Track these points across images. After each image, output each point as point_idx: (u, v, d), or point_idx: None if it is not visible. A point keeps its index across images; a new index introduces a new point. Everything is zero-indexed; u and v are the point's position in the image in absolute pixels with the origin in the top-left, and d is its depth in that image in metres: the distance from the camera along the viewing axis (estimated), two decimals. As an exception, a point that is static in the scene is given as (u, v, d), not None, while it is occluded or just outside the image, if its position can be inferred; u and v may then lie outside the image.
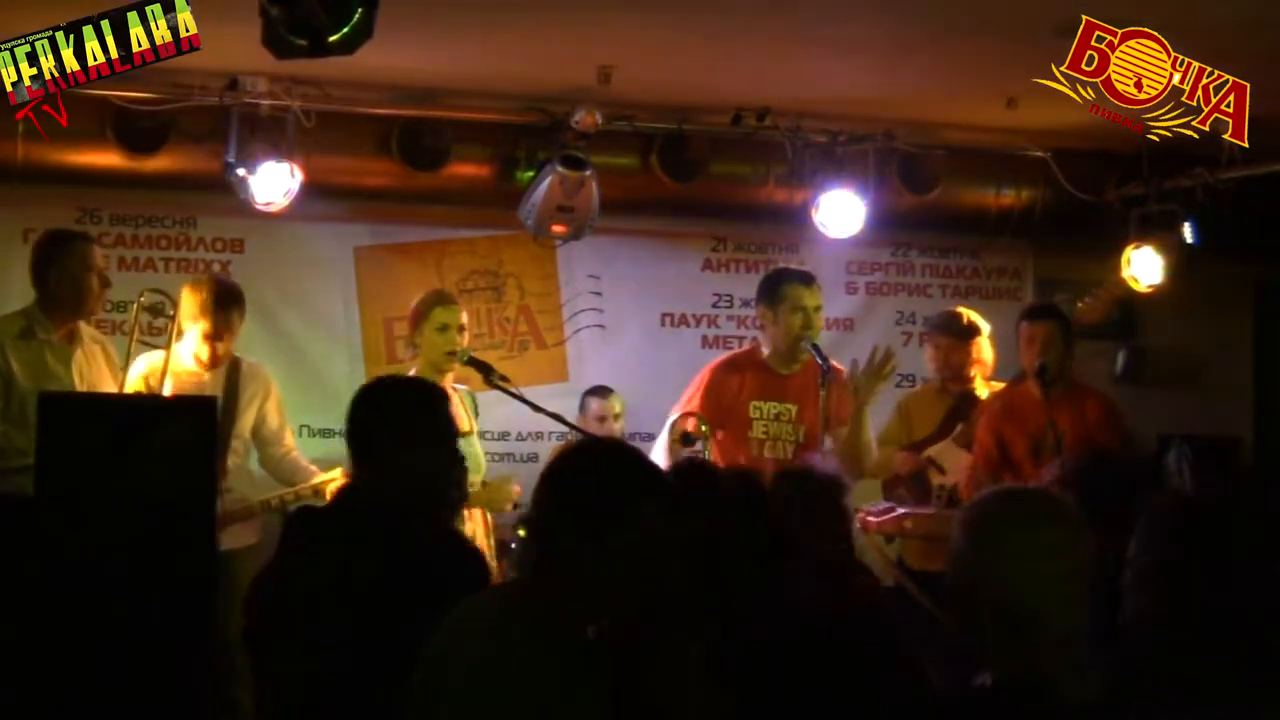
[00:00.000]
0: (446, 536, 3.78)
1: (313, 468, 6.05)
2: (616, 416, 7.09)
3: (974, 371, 6.51)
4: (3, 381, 5.56)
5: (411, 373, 5.70)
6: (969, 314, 6.63)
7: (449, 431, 3.71)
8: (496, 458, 6.66)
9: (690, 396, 5.90)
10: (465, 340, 5.81)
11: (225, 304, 5.94)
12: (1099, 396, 6.42)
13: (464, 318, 5.82)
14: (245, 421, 6.02)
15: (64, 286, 5.63)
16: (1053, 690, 2.48)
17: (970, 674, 2.61)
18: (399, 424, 3.60)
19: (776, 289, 5.91)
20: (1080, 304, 6.48)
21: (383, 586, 3.31)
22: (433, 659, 2.86)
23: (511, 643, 2.78)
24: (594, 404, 7.11)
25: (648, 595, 2.86)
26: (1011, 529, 2.60)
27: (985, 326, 6.59)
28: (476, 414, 5.94)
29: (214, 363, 5.97)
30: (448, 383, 5.62)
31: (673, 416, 5.82)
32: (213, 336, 5.90)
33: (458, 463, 3.82)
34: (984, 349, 6.56)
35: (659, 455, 5.66)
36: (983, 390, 6.51)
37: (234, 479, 5.93)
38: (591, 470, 2.94)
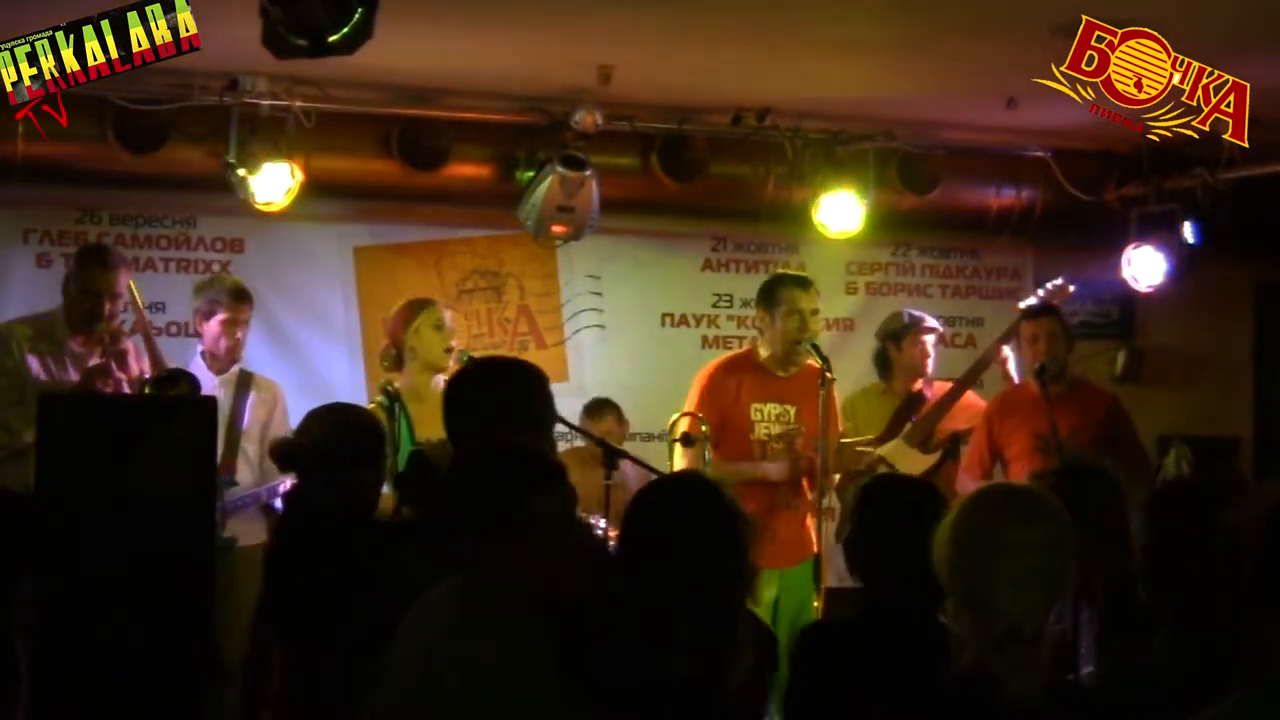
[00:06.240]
0: None
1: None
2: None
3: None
4: (17, 378, 5.60)
5: (404, 376, 5.64)
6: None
7: None
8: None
9: (694, 402, 5.89)
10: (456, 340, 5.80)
11: (239, 296, 6.04)
12: (1102, 392, 6.47)
13: (449, 317, 5.79)
14: (254, 426, 6.00)
15: (73, 302, 5.74)
16: (1000, 688, 2.50)
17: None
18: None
19: (773, 292, 5.95)
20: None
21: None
22: (420, 664, 2.88)
23: (509, 638, 2.83)
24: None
25: (563, 578, 2.99)
26: (977, 524, 2.63)
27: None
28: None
29: (231, 358, 6.00)
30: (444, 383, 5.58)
31: (673, 419, 5.82)
32: (232, 323, 5.95)
33: None
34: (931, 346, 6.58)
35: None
36: (927, 389, 6.52)
37: (241, 477, 5.91)
38: (479, 472, 3.07)
